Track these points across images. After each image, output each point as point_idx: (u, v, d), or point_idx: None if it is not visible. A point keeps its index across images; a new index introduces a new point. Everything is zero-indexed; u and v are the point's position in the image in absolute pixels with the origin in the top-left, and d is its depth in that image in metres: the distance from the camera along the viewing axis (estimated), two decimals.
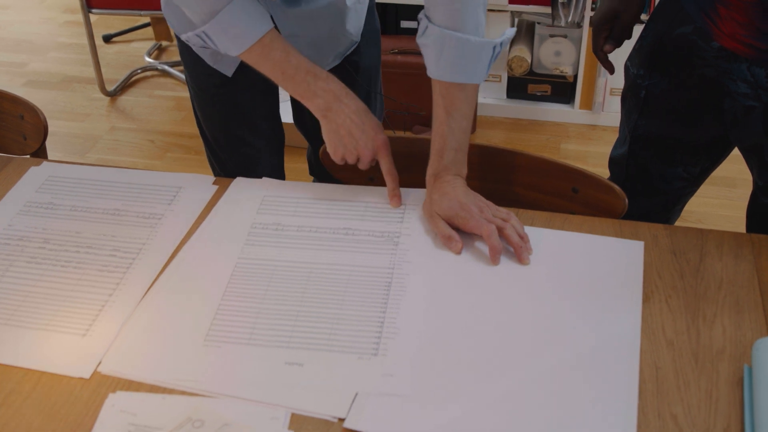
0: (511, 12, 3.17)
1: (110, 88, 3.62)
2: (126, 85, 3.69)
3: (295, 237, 1.34)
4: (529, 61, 3.19)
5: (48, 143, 1.74)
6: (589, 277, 1.23)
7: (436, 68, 1.37)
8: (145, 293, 1.24)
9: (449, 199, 1.33)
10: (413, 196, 1.41)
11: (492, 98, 3.39)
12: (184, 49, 1.65)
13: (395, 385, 1.06)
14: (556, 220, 1.35)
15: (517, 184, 1.48)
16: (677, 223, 1.88)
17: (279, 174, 1.84)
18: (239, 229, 1.36)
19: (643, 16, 1.63)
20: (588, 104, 3.27)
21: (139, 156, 3.20)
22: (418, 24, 1.39)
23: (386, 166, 1.39)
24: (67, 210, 1.42)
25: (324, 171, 1.59)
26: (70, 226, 1.39)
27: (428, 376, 1.07)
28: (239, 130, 1.72)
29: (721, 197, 2.74)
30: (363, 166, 1.40)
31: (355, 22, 1.68)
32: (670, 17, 1.51)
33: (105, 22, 4.21)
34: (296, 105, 1.86)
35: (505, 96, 3.38)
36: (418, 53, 3.08)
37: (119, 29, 4.09)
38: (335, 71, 1.68)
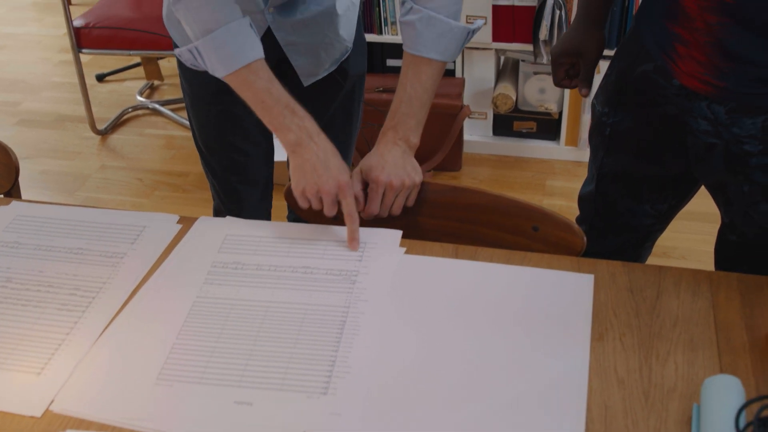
0: (495, 50, 3.19)
1: (101, 126, 3.65)
2: (117, 124, 3.72)
3: (254, 275, 1.34)
4: (514, 98, 3.21)
5: (38, 181, 1.77)
6: (538, 312, 1.24)
7: (414, 43, 1.48)
8: (102, 332, 1.24)
9: (377, 156, 1.46)
10: (373, 235, 1.42)
11: (478, 135, 3.40)
12: (183, 70, 1.72)
13: (342, 424, 1.06)
14: (515, 257, 1.35)
15: (480, 223, 1.48)
16: (649, 261, 1.88)
17: (268, 184, 1.91)
18: (199, 267, 1.37)
19: (609, 52, 1.65)
20: (573, 141, 3.28)
21: (127, 194, 3.22)
22: (402, 5, 1.51)
23: (347, 208, 1.39)
24: (32, 249, 1.43)
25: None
26: (34, 265, 1.39)
27: (377, 414, 1.07)
28: (232, 136, 1.79)
29: (704, 233, 2.73)
30: (326, 207, 1.41)
31: (348, 29, 1.75)
32: (632, 55, 1.53)
33: (100, 61, 4.25)
34: None
35: (491, 133, 3.40)
36: None
37: (113, 68, 4.13)
38: (324, 78, 1.76)
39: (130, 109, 3.79)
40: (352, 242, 1.38)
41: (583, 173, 3.22)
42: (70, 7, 3.30)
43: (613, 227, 1.70)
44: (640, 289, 1.28)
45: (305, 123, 1.42)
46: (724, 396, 1.02)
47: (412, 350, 1.17)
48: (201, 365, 1.17)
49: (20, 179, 1.74)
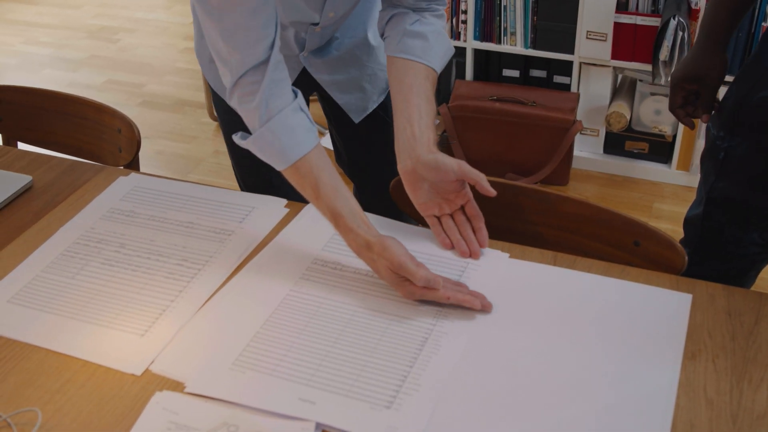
0: (614, 67, 3.16)
1: None
2: None
3: (350, 279, 1.35)
4: (628, 117, 3.17)
5: (154, 161, 1.84)
6: (633, 326, 1.23)
7: (426, 54, 1.47)
8: (203, 305, 1.30)
9: (444, 158, 1.38)
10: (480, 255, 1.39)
11: (588, 152, 3.37)
12: (218, 100, 1.69)
13: None
14: (614, 270, 1.35)
15: (581, 234, 1.48)
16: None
17: None
18: (299, 261, 1.39)
19: (729, 78, 1.61)
20: (686, 165, 3.22)
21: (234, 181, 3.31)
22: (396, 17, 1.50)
23: (430, 297, 1.28)
24: (146, 219, 1.50)
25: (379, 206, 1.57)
26: (146, 234, 1.46)
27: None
28: (270, 176, 1.68)
29: None
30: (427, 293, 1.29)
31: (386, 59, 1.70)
32: (753, 80, 1.50)
33: None
34: (335, 145, 1.91)
35: (602, 151, 3.36)
36: (516, 101, 3.13)
37: None
38: (368, 118, 1.73)
39: None
40: (474, 305, 1.27)
41: (692, 198, 3.16)
42: None
43: (717, 253, 1.67)
44: (738, 314, 1.26)
45: (351, 236, 1.31)
46: None
47: (488, 371, 1.16)
48: (276, 358, 1.19)
49: (138, 156, 1.82)
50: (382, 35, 1.54)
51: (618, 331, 1.22)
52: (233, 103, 1.36)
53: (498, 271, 1.36)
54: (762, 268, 1.73)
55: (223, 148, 3.53)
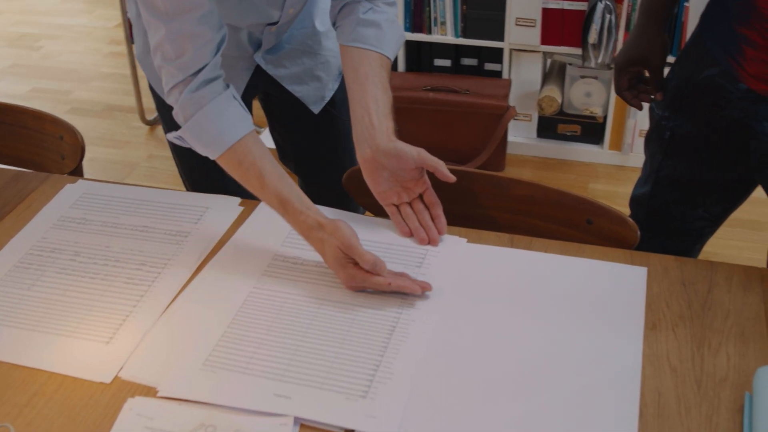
0: (543, 52, 3.22)
1: (150, 117, 3.72)
2: None
3: (312, 272, 1.35)
4: (560, 101, 3.23)
5: (87, 169, 1.81)
6: (593, 302, 1.26)
7: (379, 42, 1.48)
8: (167, 307, 1.29)
9: (403, 145, 1.40)
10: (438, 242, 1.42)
11: (522, 137, 3.43)
12: (161, 104, 1.66)
13: (376, 426, 1.07)
14: (570, 248, 1.38)
15: (534, 215, 1.51)
16: None
17: None
18: (260, 258, 1.39)
19: (671, 58, 1.65)
20: (617, 145, 3.30)
21: (175, 184, 3.28)
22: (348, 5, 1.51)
23: (368, 265, 1.30)
24: (99, 225, 1.48)
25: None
26: (101, 240, 1.44)
27: (416, 420, 1.08)
28: (222, 181, 1.69)
29: (747, 240, 2.74)
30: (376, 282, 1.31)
31: (336, 44, 1.69)
32: (696, 60, 1.54)
33: None
34: (278, 143, 1.91)
35: (535, 135, 3.42)
36: (450, 90, 3.16)
37: None
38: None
39: None
40: (415, 290, 1.30)
41: (626, 177, 3.25)
42: None
43: (665, 230, 1.72)
44: (692, 283, 1.30)
45: (300, 217, 1.33)
46: None
47: (458, 354, 1.18)
48: (247, 356, 1.19)
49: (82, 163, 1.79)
50: (333, 24, 1.54)
51: (580, 307, 1.25)
52: (171, 99, 1.37)
53: (457, 256, 1.38)
54: (706, 242, 1.79)
55: (158, 152, 3.51)
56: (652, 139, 1.69)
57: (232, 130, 1.35)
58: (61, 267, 1.38)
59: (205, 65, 1.34)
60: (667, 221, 1.71)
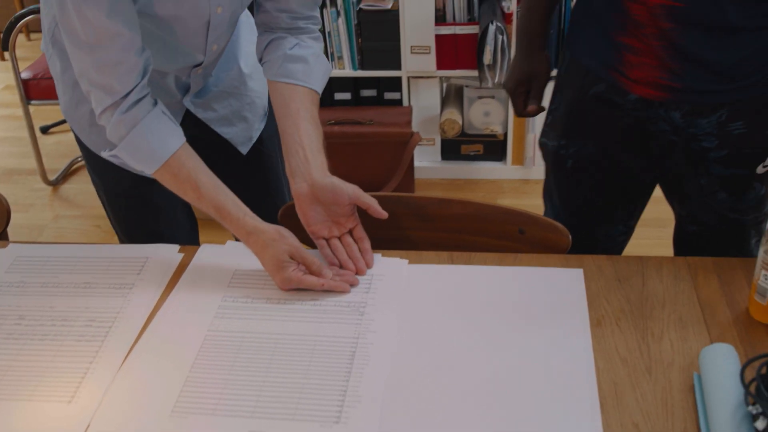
0: (440, 77, 3.31)
1: (52, 177, 3.66)
2: (68, 174, 3.73)
3: (264, 309, 1.37)
4: (461, 123, 3.33)
5: None
6: (538, 307, 1.33)
7: (307, 77, 1.53)
8: (124, 361, 1.29)
9: (332, 181, 1.46)
10: (381, 265, 1.46)
11: (427, 161, 3.51)
12: (90, 156, 1.68)
13: None
14: (507, 259, 1.44)
15: (469, 231, 1.57)
16: None
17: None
18: (209, 300, 1.40)
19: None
20: (520, 160, 3.41)
21: (86, 242, 3.22)
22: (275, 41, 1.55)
23: (312, 267, 1.39)
24: (39, 287, 1.47)
25: None
26: (44, 301, 1.43)
27: None
28: (157, 226, 1.76)
29: (653, 237, 2.87)
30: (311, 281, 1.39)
31: (261, 82, 1.76)
32: (578, 83, 1.61)
33: (41, 114, 4.24)
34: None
35: (439, 158, 3.51)
36: (354, 122, 3.21)
37: (56, 120, 4.13)
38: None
39: (79, 159, 3.80)
40: (351, 285, 1.40)
41: (532, 190, 3.35)
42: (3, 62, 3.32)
43: (589, 250, 1.77)
44: (626, 278, 1.37)
45: (238, 223, 1.41)
46: (722, 362, 1.12)
47: (422, 372, 1.22)
48: (215, 397, 1.20)
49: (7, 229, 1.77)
50: (260, 60, 1.58)
51: (527, 314, 1.31)
52: (103, 120, 1.41)
53: (402, 277, 1.43)
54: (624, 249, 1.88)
55: (64, 212, 3.45)
56: (553, 172, 1.75)
57: (165, 145, 1.41)
58: (7, 333, 1.36)
59: (133, 88, 1.38)
60: (594, 246, 1.78)
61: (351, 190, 1.44)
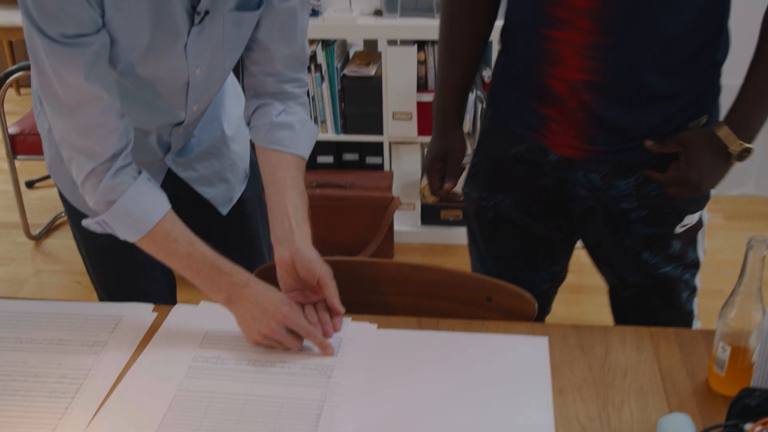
0: (421, 143, 3.37)
1: (35, 232, 3.68)
2: (50, 229, 3.75)
3: (234, 369, 1.39)
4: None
5: None
6: (502, 374, 1.35)
7: (293, 143, 1.56)
8: (92, 418, 1.30)
9: (309, 253, 1.49)
10: (349, 329, 1.49)
11: (407, 225, 3.55)
12: (73, 212, 1.71)
13: None
14: (474, 325, 1.47)
15: (438, 297, 1.60)
16: None
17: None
18: (180, 360, 1.42)
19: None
20: None
21: (66, 297, 3.24)
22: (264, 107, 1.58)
23: (302, 330, 1.42)
24: (12, 342, 1.48)
25: None
26: (16, 357, 1.45)
27: None
28: (136, 282, 1.78)
29: (604, 305, 2.90)
30: (286, 344, 1.42)
31: (244, 144, 1.82)
32: (500, 140, 1.67)
33: (28, 168, 4.27)
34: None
35: (419, 223, 3.55)
36: (336, 186, 3.25)
37: (41, 175, 4.17)
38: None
39: (62, 214, 3.82)
40: (326, 350, 1.42)
41: None
42: None
43: None
44: (590, 347, 1.41)
45: (233, 278, 1.44)
46: (679, 430, 1.15)
47: None
48: None
49: None
50: (248, 124, 1.62)
51: (491, 380, 1.34)
52: (87, 188, 1.44)
53: (370, 341, 1.45)
54: (553, 301, 1.91)
55: (45, 267, 3.46)
56: (475, 221, 1.80)
57: (154, 210, 1.44)
58: None
59: (116, 153, 1.41)
60: None
61: (321, 271, 1.47)
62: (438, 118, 1.78)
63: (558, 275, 1.84)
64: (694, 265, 1.68)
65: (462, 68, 1.72)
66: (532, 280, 1.80)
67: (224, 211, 1.79)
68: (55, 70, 1.33)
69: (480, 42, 1.70)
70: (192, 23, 1.42)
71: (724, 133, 1.48)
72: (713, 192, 1.60)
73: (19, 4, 1.29)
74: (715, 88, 1.55)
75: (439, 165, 1.77)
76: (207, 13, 1.42)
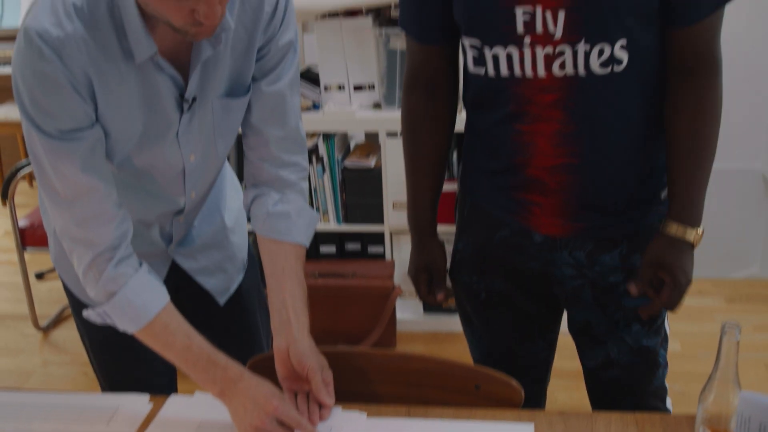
0: None
1: (43, 323, 3.73)
2: (58, 320, 3.80)
3: None
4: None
5: None
6: None
7: (289, 231, 1.60)
8: None
9: (303, 345, 1.53)
10: (339, 418, 1.51)
11: (409, 314, 3.58)
12: (76, 303, 1.76)
13: None
14: (463, 413, 1.50)
15: (428, 386, 1.63)
16: None
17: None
18: None
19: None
20: None
21: (72, 388, 3.27)
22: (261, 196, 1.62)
23: (293, 422, 1.45)
24: None
25: None
26: None
27: None
28: (137, 372, 1.81)
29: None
30: None
31: (242, 236, 1.87)
32: (483, 227, 1.72)
33: (38, 259, 4.35)
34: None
35: (422, 311, 3.58)
36: (338, 275, 3.30)
37: (50, 267, 4.23)
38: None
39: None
40: None
41: None
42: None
43: (517, 371, 1.80)
44: None
45: (228, 372, 1.48)
46: None
47: None
48: None
49: None
50: (248, 213, 1.67)
51: None
52: (88, 279, 1.48)
53: (359, 430, 1.48)
54: (551, 366, 1.93)
55: (53, 358, 3.50)
56: (468, 304, 1.84)
57: (154, 302, 1.49)
58: None
59: (115, 243, 1.46)
60: (515, 362, 1.83)
61: (310, 364, 1.51)
62: (413, 231, 1.82)
63: (554, 341, 1.88)
64: (665, 339, 1.74)
65: (430, 178, 1.77)
66: (529, 351, 1.83)
67: (221, 300, 1.84)
68: (53, 165, 1.40)
69: (444, 150, 1.74)
70: (182, 111, 1.49)
71: (677, 230, 1.55)
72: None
73: (17, 103, 1.37)
74: None
75: (423, 276, 1.81)
76: (194, 100, 1.49)
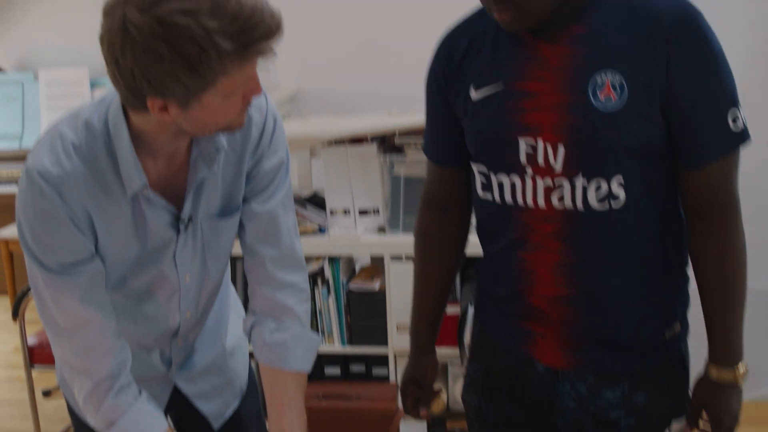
0: None
1: None
2: None
3: None
4: (446, 399, 3.40)
5: None
6: None
7: (286, 359, 1.63)
8: None
9: None
10: None
11: None
12: (79, 424, 1.78)
13: None
14: None
15: None
16: None
17: None
18: None
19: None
20: None
21: None
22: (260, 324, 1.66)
23: None
24: None
25: None
26: None
27: None
28: None
29: None
30: None
31: (242, 361, 1.90)
32: (491, 352, 1.75)
33: (44, 377, 4.37)
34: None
35: None
36: (342, 397, 3.31)
37: (57, 384, 4.24)
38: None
39: None
40: None
41: None
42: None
43: None
44: None
45: None
46: None
47: None
48: None
49: None
50: (248, 338, 1.70)
51: None
52: (89, 407, 1.51)
53: None
54: None
55: None
56: (476, 426, 1.84)
57: (154, 429, 1.52)
58: None
59: (114, 372, 1.50)
60: None
61: None
62: (413, 344, 1.88)
63: None
64: None
65: (434, 296, 1.83)
66: None
67: (216, 425, 1.86)
68: (54, 299, 1.45)
69: (451, 271, 1.81)
70: (178, 231, 1.54)
71: (718, 374, 1.56)
72: None
73: (20, 240, 1.43)
74: (683, 296, 1.65)
75: (412, 389, 1.84)
76: (191, 219, 1.54)
